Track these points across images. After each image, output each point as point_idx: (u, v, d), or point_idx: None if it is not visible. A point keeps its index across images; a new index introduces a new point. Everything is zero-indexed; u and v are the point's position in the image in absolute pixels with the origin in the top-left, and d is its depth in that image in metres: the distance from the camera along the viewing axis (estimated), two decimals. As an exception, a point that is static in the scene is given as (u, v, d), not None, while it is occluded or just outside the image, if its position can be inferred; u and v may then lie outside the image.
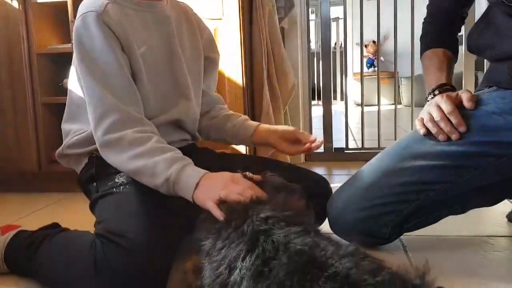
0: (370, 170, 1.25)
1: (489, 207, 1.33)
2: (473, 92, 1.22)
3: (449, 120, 1.15)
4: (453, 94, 1.20)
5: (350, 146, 2.85)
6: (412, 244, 1.30)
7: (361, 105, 2.90)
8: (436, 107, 1.17)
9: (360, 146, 2.84)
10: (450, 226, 1.34)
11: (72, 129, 1.26)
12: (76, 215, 1.44)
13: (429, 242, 1.32)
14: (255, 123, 1.40)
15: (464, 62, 2.73)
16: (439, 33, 1.40)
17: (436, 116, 1.16)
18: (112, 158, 1.10)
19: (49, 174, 2.09)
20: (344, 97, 3.18)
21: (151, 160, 1.05)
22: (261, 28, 2.02)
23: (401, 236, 1.28)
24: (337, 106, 3.44)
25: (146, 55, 1.21)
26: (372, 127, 2.87)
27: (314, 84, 3.39)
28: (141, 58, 1.19)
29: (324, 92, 2.89)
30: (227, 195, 0.93)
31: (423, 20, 1.44)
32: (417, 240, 1.32)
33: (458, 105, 1.17)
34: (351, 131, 3.08)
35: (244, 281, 0.72)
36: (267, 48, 2.08)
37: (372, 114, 2.98)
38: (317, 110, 3.10)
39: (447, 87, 1.25)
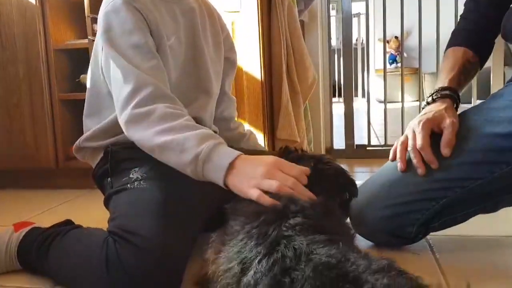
0: (394, 166, 1.20)
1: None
2: (498, 87, 1.16)
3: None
4: (437, 116, 1.14)
5: (372, 143, 2.77)
6: (440, 244, 1.23)
7: (384, 102, 2.83)
8: (412, 135, 1.16)
9: (382, 143, 2.76)
10: (480, 225, 1.27)
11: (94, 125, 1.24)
12: (92, 213, 1.42)
13: (458, 243, 1.25)
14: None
15: (492, 56, 2.62)
16: (469, 32, 1.32)
17: (410, 145, 1.15)
18: (139, 133, 1.03)
19: (66, 171, 2.08)
20: (366, 94, 3.11)
21: (181, 135, 0.97)
22: (280, 21, 1.97)
23: (428, 236, 1.23)
24: (357, 104, 3.36)
25: (174, 47, 1.18)
26: (394, 125, 2.79)
27: (335, 81, 3.33)
28: (169, 49, 1.16)
29: (345, 88, 2.83)
30: (279, 188, 0.87)
31: (461, 14, 1.37)
32: (445, 240, 1.25)
33: (437, 131, 1.13)
34: (373, 129, 3.01)
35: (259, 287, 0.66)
36: (286, 42, 2.02)
37: (393, 112, 2.90)
38: (338, 108, 3.05)
39: (446, 92, 1.20)
